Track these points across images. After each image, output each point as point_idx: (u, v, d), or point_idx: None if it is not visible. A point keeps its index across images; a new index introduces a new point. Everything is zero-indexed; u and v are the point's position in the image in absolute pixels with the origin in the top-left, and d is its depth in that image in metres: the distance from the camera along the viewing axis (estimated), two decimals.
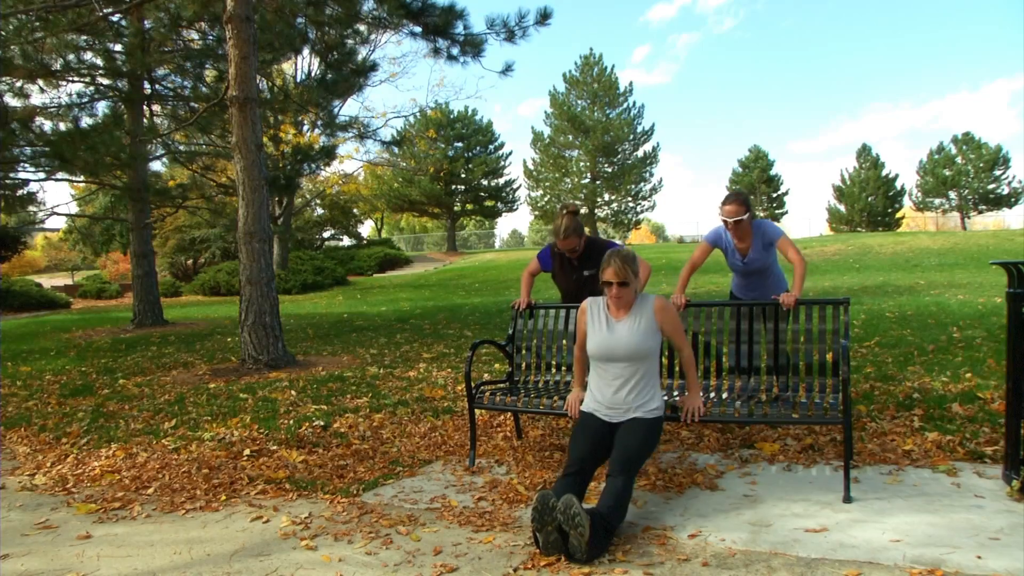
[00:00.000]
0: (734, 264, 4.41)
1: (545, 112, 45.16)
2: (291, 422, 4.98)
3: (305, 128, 22.91)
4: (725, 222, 4.18)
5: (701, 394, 3.53)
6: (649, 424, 3.22)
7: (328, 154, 18.15)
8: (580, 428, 3.28)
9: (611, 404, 3.29)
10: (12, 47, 10.05)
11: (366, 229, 48.80)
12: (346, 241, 39.21)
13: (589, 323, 3.41)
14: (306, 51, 15.68)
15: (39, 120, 11.97)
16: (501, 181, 43.70)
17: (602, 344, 3.32)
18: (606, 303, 3.40)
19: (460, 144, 41.45)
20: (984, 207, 47.88)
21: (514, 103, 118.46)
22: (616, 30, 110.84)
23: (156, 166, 19.02)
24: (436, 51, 10.16)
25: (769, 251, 4.28)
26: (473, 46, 10.09)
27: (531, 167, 44.94)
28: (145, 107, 13.18)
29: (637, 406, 3.26)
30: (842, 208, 51.05)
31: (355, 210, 38.48)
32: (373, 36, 19.62)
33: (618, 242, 4.26)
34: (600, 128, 42.24)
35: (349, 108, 65.53)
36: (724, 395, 3.78)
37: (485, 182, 42.69)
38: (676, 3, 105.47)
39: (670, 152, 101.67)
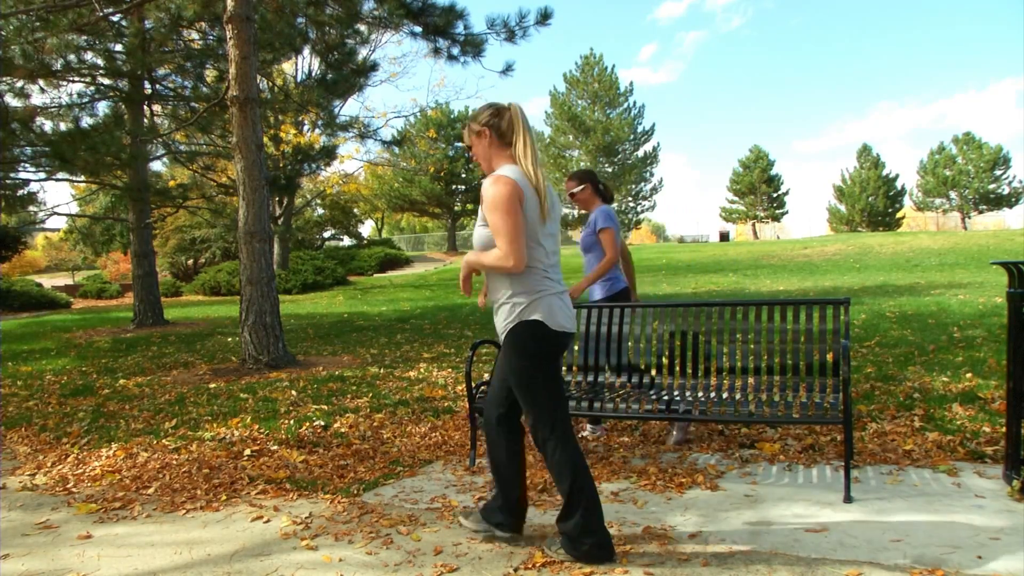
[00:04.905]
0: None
1: (546, 112, 45.23)
2: (291, 422, 4.98)
3: (305, 128, 22.89)
4: None
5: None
6: (508, 342, 2.68)
7: (328, 154, 18.16)
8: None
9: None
10: (13, 47, 10.05)
11: (366, 229, 48.86)
12: (346, 241, 39.21)
13: None
14: (306, 51, 15.67)
15: (40, 120, 11.98)
16: None
17: None
18: None
19: (460, 144, 41.39)
20: (984, 207, 47.92)
21: (519, 102, 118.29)
22: (624, 28, 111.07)
23: (156, 166, 19.07)
24: (436, 51, 10.17)
25: (594, 237, 4.41)
26: (473, 46, 10.10)
27: None
28: (145, 107, 13.18)
29: (499, 307, 2.70)
30: (842, 208, 51.05)
31: (355, 210, 38.47)
32: (373, 36, 19.61)
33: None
34: (600, 128, 42.26)
35: (349, 108, 65.54)
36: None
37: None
38: (684, 1, 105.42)
39: (675, 151, 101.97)
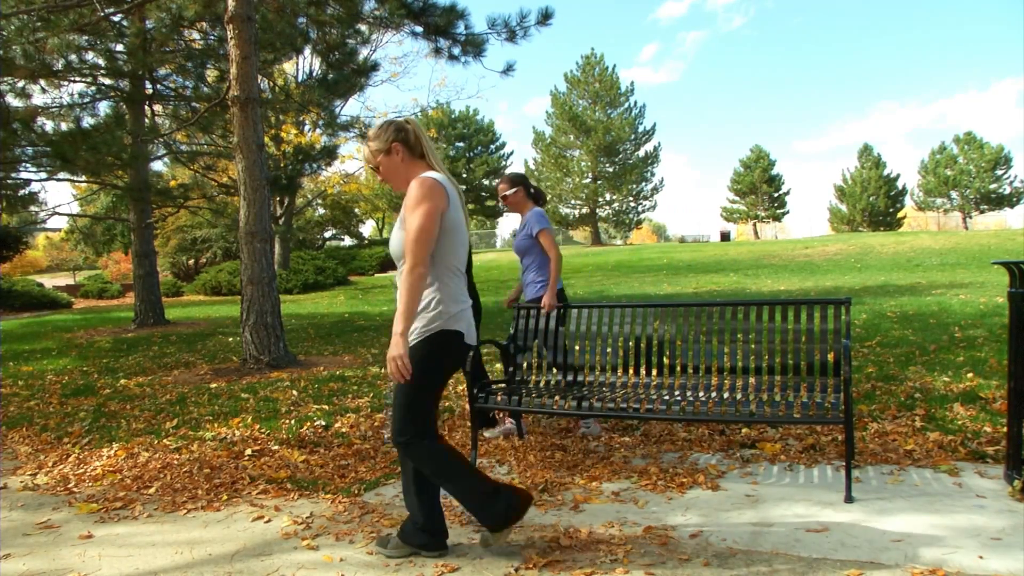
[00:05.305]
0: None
1: (547, 112, 45.23)
2: (292, 422, 4.98)
3: (307, 128, 22.90)
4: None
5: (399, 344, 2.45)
6: (423, 348, 2.53)
7: (329, 154, 18.14)
8: None
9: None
10: (14, 47, 10.06)
11: (367, 229, 48.86)
12: (347, 241, 39.26)
13: None
14: (307, 51, 15.66)
15: (41, 120, 12.00)
16: None
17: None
18: None
19: (461, 144, 41.51)
20: (986, 207, 47.93)
21: (521, 102, 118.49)
22: (625, 28, 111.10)
23: (158, 166, 19.04)
24: (437, 51, 10.17)
25: (529, 240, 4.44)
26: (474, 46, 10.10)
27: (532, 167, 44.98)
28: (147, 107, 13.20)
29: (420, 313, 2.55)
30: (843, 208, 51.04)
31: (356, 210, 38.51)
32: (374, 36, 19.63)
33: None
34: (601, 128, 42.26)
35: (350, 108, 65.23)
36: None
37: (486, 182, 42.72)
38: (685, 1, 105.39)
39: (676, 151, 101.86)
